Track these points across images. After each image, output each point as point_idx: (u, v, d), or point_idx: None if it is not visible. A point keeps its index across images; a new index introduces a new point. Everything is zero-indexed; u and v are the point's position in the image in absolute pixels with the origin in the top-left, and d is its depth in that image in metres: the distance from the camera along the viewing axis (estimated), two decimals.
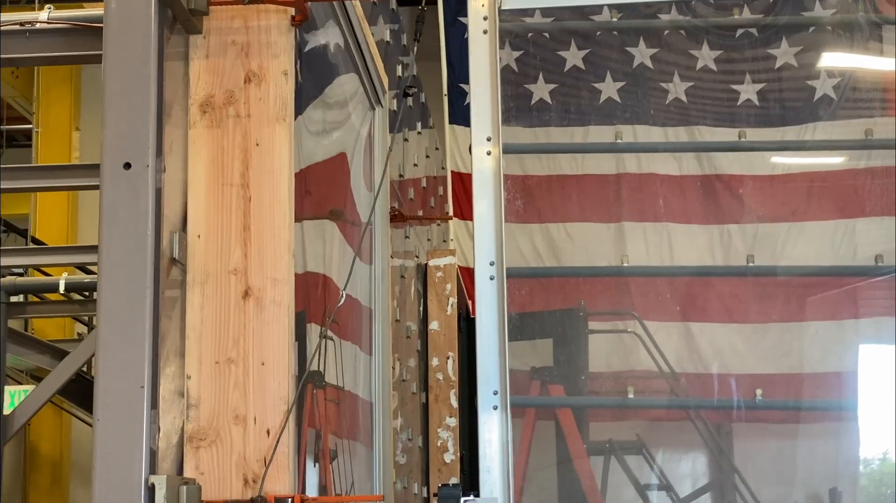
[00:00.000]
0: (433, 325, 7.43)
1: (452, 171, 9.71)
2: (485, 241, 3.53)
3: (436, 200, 8.42)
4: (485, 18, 3.66)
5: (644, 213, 9.65)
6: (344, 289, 3.64)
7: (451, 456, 7.28)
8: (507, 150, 3.60)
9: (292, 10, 3.54)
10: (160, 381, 3.41)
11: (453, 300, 7.49)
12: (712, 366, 9.00)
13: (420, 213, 7.47)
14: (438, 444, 7.29)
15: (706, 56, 9.84)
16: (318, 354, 3.79)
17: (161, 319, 3.36)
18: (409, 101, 5.44)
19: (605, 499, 7.21)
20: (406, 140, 6.93)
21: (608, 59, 9.77)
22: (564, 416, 6.70)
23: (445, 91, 9.85)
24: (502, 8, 3.69)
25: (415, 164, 7.27)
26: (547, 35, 9.60)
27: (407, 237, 6.81)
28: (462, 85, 10.05)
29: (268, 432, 3.35)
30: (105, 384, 3.18)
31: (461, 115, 9.82)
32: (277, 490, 3.30)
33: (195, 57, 3.52)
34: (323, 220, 4.47)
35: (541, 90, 9.91)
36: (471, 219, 10.07)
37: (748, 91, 9.92)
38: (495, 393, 3.45)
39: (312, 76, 4.26)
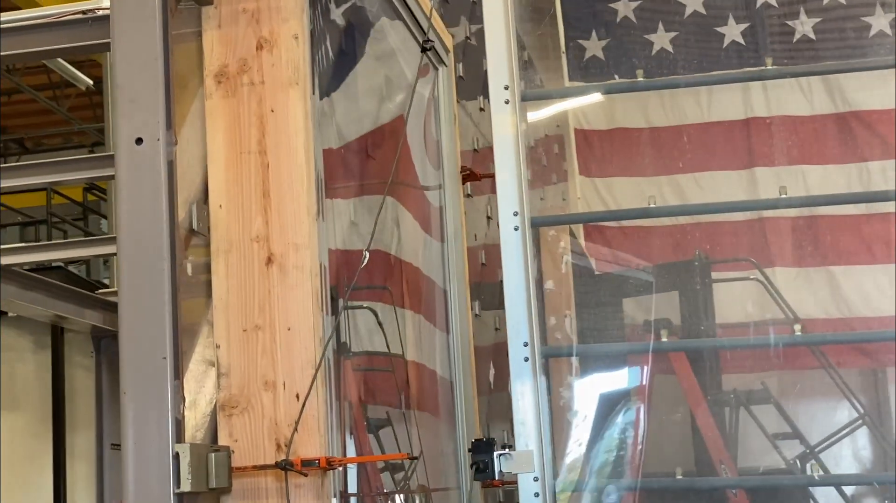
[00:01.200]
0: (548, 285, 7.33)
1: (576, 129, 9.55)
2: (507, 190, 3.46)
3: (548, 159, 8.31)
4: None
5: (775, 156, 9.37)
6: (367, 250, 3.59)
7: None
8: (526, 97, 3.51)
9: None
10: (193, 352, 3.46)
11: (567, 258, 7.39)
12: (860, 309, 8.69)
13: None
14: (561, 404, 7.21)
15: None
16: (347, 323, 3.78)
17: (187, 292, 3.39)
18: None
19: (735, 450, 7.05)
20: (482, 110, 6.85)
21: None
22: (681, 367, 6.55)
23: (563, 48, 9.68)
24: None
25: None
26: None
27: None
28: (581, 41, 9.88)
29: (297, 396, 3.35)
30: (129, 357, 3.23)
31: (580, 71, 9.65)
32: (309, 453, 3.31)
33: (208, 28, 3.53)
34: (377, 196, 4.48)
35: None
36: (599, 175, 9.97)
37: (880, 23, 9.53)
38: (525, 344, 3.39)
39: (352, 41, 4.25)
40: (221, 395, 3.38)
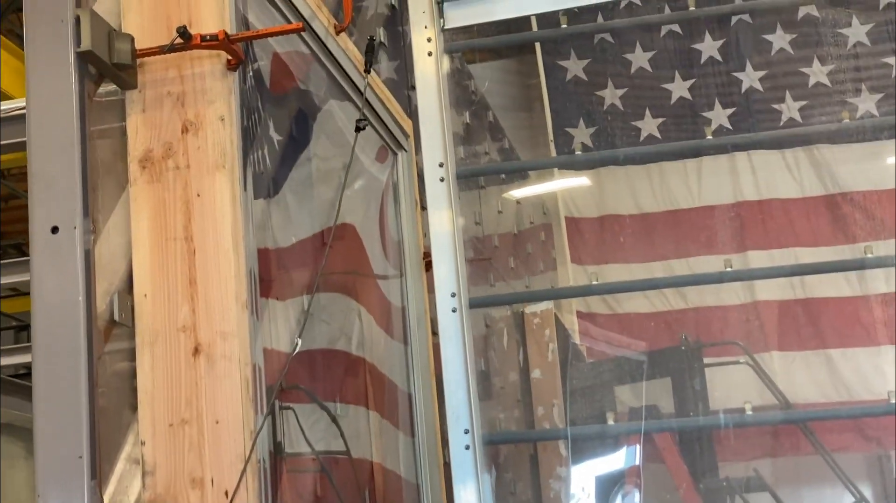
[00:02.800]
0: (535, 373, 7.16)
1: (567, 217, 9.45)
2: (443, 271, 3.30)
3: (534, 247, 8.17)
4: (429, 40, 3.46)
5: (768, 239, 9.21)
6: (299, 337, 3.44)
7: None
8: (460, 174, 3.38)
9: (226, 55, 3.41)
10: (122, 451, 3.29)
11: (553, 346, 7.22)
12: (859, 393, 8.48)
13: (512, 263, 7.26)
14: (551, 496, 6.99)
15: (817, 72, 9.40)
16: (283, 423, 3.62)
17: (113, 386, 3.23)
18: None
19: None
20: (483, 187, 6.74)
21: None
22: (667, 449, 6.36)
23: (551, 137, 9.62)
24: (445, 27, 3.49)
25: (499, 212, 7.07)
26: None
27: (492, 285, 6.59)
28: (569, 129, 9.81)
29: (226, 494, 3.17)
30: (43, 456, 3.06)
31: (570, 161, 9.56)
32: None
33: (132, 112, 3.42)
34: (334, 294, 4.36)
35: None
36: (591, 263, 9.80)
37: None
38: (466, 432, 3.21)
39: (299, 124, 4.14)
40: (146, 496, 3.20)
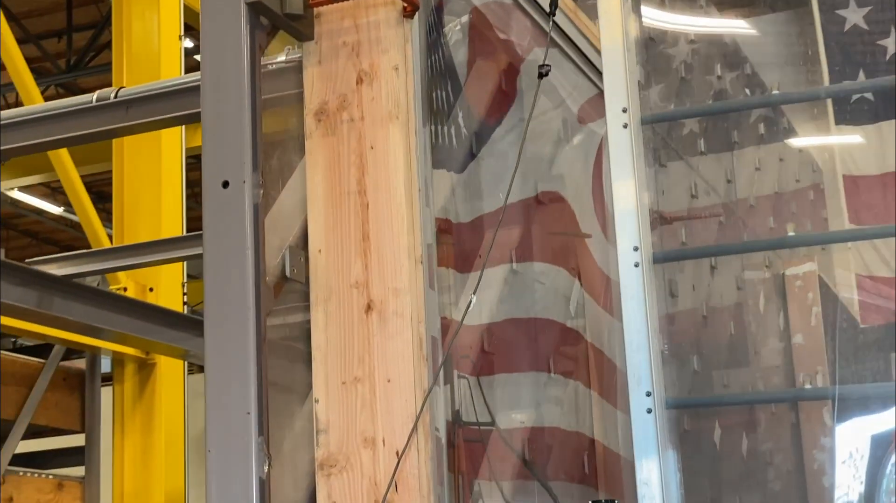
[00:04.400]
0: (797, 339, 6.75)
1: (844, 176, 8.89)
2: (626, 223, 3.08)
3: (798, 206, 7.72)
4: None
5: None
6: (462, 321, 3.30)
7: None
8: (645, 120, 3.15)
9: (401, 2, 3.29)
10: (302, 409, 3.25)
11: (817, 309, 6.79)
12: None
13: (772, 223, 6.87)
14: (815, 468, 6.59)
15: None
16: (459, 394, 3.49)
17: (284, 345, 3.19)
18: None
19: None
20: (736, 143, 6.39)
21: None
22: None
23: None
24: None
25: (756, 169, 6.69)
26: None
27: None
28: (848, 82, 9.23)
29: (397, 453, 3.07)
30: (213, 413, 3.05)
31: (847, 114, 9.00)
32: None
33: (308, 64, 3.35)
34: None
35: None
36: (871, 222, 9.23)
37: None
38: (648, 394, 2.99)
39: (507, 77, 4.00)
40: (320, 453, 3.14)
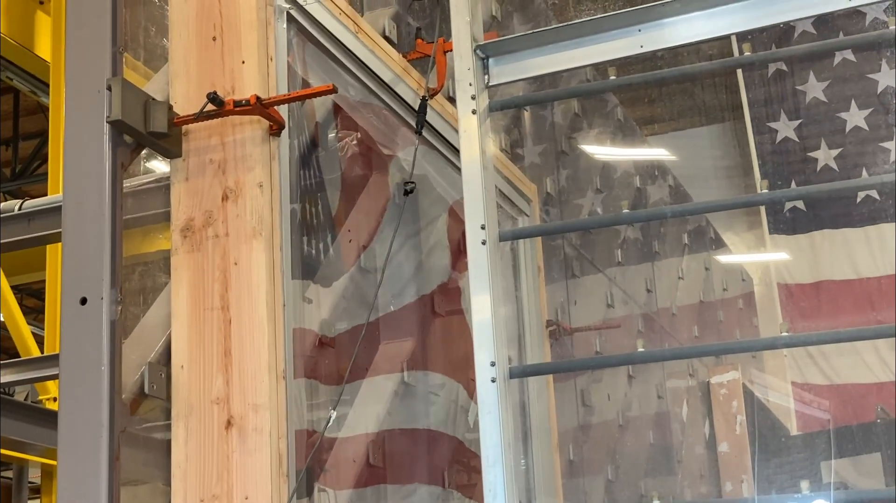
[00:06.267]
0: (722, 447, 6.74)
1: (779, 284, 8.95)
2: (483, 337, 3.09)
3: (726, 315, 7.77)
4: (472, 97, 3.27)
5: None
6: (332, 413, 3.29)
7: None
8: (504, 237, 3.18)
9: (267, 121, 3.33)
10: None
11: (741, 418, 6.78)
12: None
13: (696, 332, 6.89)
14: None
15: None
16: None
17: (138, 460, 3.17)
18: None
19: None
20: (657, 254, 6.44)
21: None
22: None
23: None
24: (490, 84, 3.30)
25: (679, 278, 6.74)
26: None
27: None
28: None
29: None
30: None
31: (781, 224, 9.10)
32: None
33: (176, 181, 3.38)
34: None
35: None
36: (807, 330, 9.25)
37: None
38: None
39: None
40: None
